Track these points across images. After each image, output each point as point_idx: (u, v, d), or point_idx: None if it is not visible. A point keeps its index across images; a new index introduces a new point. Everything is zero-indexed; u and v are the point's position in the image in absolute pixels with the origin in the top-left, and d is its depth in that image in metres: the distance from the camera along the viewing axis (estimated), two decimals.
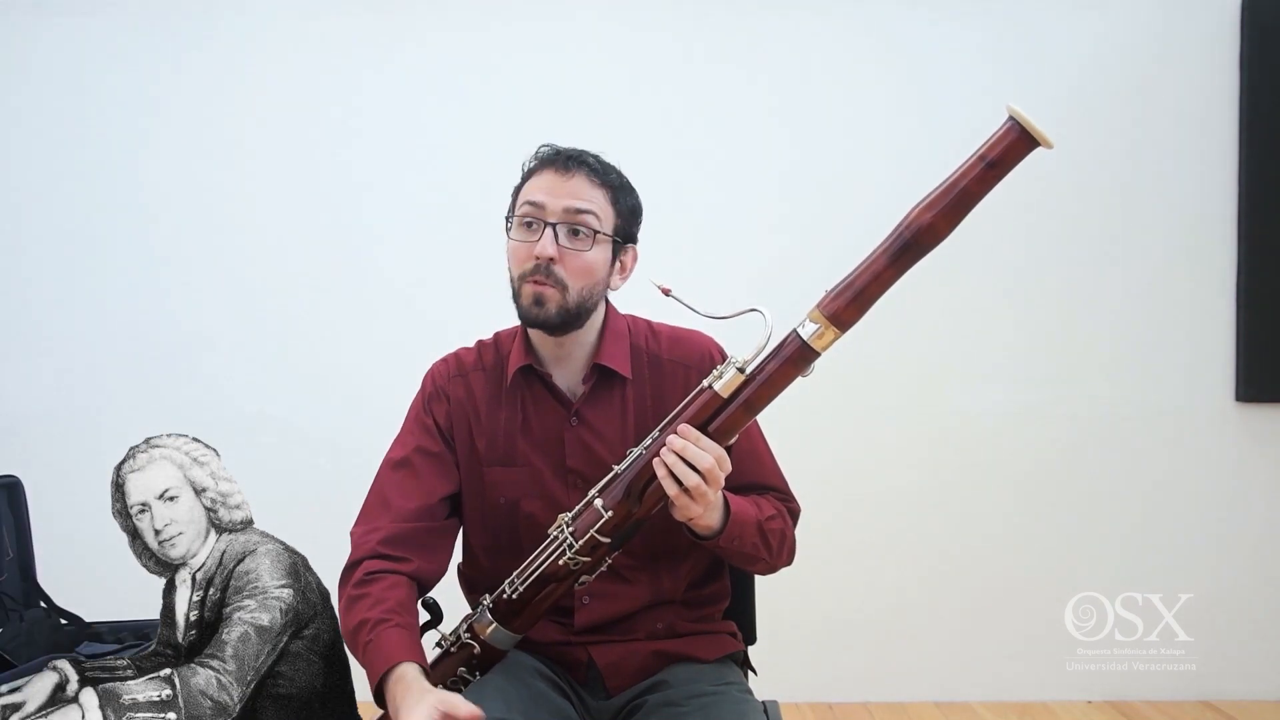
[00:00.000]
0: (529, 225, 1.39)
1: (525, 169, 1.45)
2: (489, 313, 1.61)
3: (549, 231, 1.37)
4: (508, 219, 1.44)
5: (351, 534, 1.45)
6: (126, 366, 2.86)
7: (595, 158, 1.43)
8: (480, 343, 1.55)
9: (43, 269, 2.87)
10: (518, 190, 1.44)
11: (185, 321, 2.86)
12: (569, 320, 1.39)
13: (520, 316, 1.41)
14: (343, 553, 1.43)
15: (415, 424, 1.49)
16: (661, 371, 1.48)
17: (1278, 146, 2.75)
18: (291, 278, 2.85)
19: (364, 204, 2.84)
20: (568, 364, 1.47)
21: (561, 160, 1.40)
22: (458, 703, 1.19)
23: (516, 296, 1.40)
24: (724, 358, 1.48)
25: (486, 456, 1.46)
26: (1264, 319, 2.77)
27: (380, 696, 1.28)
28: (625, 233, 1.44)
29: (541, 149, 1.45)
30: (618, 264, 1.45)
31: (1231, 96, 2.77)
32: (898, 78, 2.81)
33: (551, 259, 1.36)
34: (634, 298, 1.50)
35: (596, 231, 1.39)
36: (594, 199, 1.39)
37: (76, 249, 2.86)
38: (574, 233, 1.38)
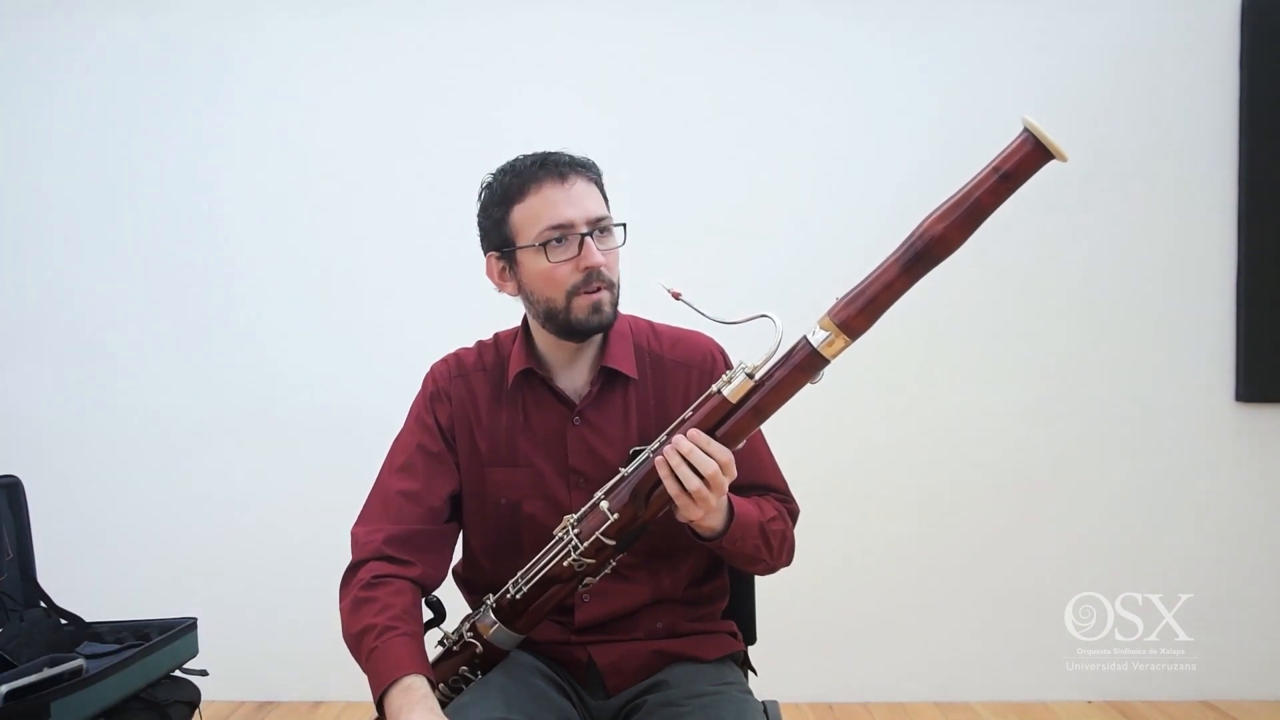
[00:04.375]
0: (559, 242, 1.37)
1: (505, 190, 1.40)
2: (490, 310, 1.61)
3: (589, 241, 1.36)
4: (507, 245, 1.40)
5: (353, 534, 1.44)
6: (126, 367, 2.85)
7: (571, 156, 1.42)
8: (480, 343, 1.54)
9: (43, 269, 2.87)
10: (505, 214, 1.39)
11: (185, 322, 2.85)
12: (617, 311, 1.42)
13: (575, 329, 1.39)
14: (344, 552, 1.43)
15: (416, 424, 1.49)
16: (664, 372, 1.48)
17: (1278, 146, 2.76)
18: (293, 278, 2.85)
19: (363, 203, 2.84)
20: (576, 367, 1.46)
21: (554, 169, 1.38)
22: None
23: (564, 312, 1.38)
24: (725, 358, 1.50)
25: (488, 457, 1.46)
26: (1264, 319, 2.77)
27: (379, 703, 1.27)
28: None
29: (517, 165, 1.41)
30: None
31: (1231, 96, 2.77)
32: (904, 82, 2.80)
33: (601, 264, 1.37)
34: (643, 300, 1.50)
35: (613, 225, 1.41)
36: (596, 195, 1.40)
37: (76, 249, 2.86)
38: (602, 232, 1.39)
